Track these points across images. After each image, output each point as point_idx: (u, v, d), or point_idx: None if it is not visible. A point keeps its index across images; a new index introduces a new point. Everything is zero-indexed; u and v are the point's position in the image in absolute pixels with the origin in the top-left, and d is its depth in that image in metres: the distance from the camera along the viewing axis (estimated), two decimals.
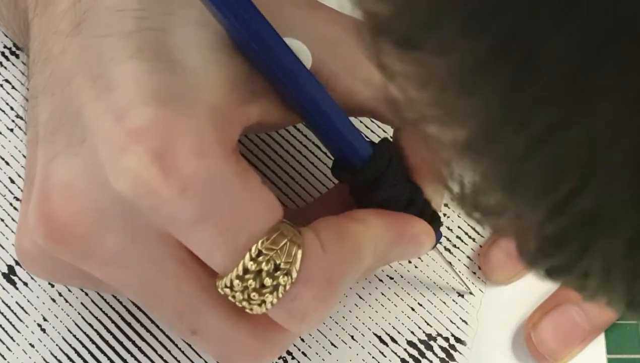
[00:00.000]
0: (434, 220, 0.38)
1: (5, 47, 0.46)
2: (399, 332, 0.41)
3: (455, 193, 0.21)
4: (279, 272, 0.32)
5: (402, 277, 0.42)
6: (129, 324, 0.41)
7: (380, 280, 0.42)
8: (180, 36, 0.33)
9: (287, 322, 0.33)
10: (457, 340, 0.41)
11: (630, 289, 0.21)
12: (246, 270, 0.32)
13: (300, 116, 0.35)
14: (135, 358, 0.41)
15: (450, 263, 0.42)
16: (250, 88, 0.33)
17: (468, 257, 0.43)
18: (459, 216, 0.43)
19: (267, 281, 0.32)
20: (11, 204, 0.43)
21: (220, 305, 0.34)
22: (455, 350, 0.41)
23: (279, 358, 0.41)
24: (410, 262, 0.42)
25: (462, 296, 0.42)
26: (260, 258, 0.32)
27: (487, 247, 0.42)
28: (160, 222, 0.32)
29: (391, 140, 0.39)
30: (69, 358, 0.41)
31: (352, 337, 0.41)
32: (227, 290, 0.32)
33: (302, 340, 0.41)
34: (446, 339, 0.41)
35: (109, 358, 0.41)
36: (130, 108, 0.31)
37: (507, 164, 0.19)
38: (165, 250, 0.33)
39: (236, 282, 0.32)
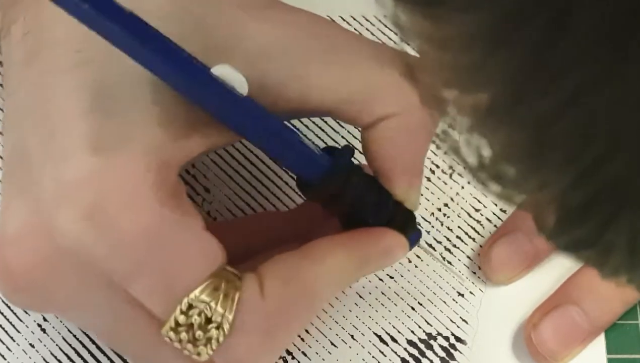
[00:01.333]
0: (408, 221, 0.38)
1: None
2: (399, 331, 0.41)
3: (471, 165, 0.20)
4: (210, 325, 0.32)
5: (402, 276, 0.42)
6: None
7: (380, 279, 0.42)
8: (116, 72, 0.32)
9: None
10: (458, 339, 0.41)
11: None
12: (178, 323, 0.32)
13: (246, 139, 0.35)
14: None
15: (450, 262, 0.42)
16: (188, 120, 0.33)
17: (468, 257, 0.43)
18: (459, 216, 0.43)
19: (199, 334, 0.32)
20: None
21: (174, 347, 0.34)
22: (456, 349, 0.41)
23: (279, 358, 0.41)
24: (410, 261, 0.42)
25: (462, 295, 0.42)
26: (191, 311, 0.32)
27: (488, 247, 0.42)
28: (102, 272, 0.32)
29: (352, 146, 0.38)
30: (69, 358, 0.41)
31: (352, 336, 0.41)
32: (168, 340, 0.33)
33: (302, 339, 0.41)
34: (446, 338, 0.41)
35: (109, 359, 0.41)
36: (65, 158, 0.31)
37: (533, 128, 0.19)
38: (115, 296, 0.33)
39: (171, 333, 0.32)
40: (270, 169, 0.44)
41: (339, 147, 0.36)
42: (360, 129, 0.37)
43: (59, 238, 0.31)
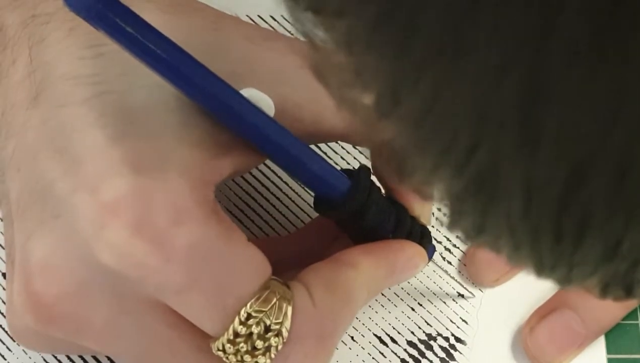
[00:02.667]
0: (424, 236, 0.38)
1: None
2: (399, 332, 0.41)
3: (390, 159, 0.21)
4: (270, 334, 0.32)
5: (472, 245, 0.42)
6: None
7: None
8: (139, 98, 0.32)
9: None
10: (457, 339, 0.41)
11: (534, 250, 0.21)
12: (236, 334, 0.32)
13: (271, 160, 0.35)
14: None
15: (450, 262, 0.42)
16: (218, 142, 0.33)
17: (466, 256, 0.43)
18: None
19: (259, 343, 0.32)
20: None
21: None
22: (456, 349, 0.41)
23: None
24: None
25: (462, 296, 0.42)
26: (250, 321, 0.32)
27: (473, 249, 0.42)
28: (148, 291, 0.32)
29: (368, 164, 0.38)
30: (69, 358, 0.41)
31: (352, 337, 0.41)
32: (221, 353, 0.32)
33: None
34: (446, 339, 0.41)
35: (109, 359, 0.41)
36: (101, 181, 0.31)
37: (410, 125, 0.20)
38: (155, 317, 0.33)
39: (228, 345, 0.32)
40: (271, 169, 0.44)
41: (354, 168, 0.36)
42: (367, 148, 0.37)
43: (100, 259, 0.31)
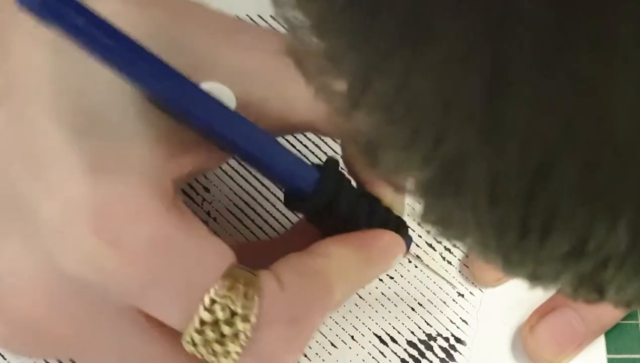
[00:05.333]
0: (400, 227, 0.38)
1: None
2: (399, 332, 0.41)
3: (361, 149, 0.21)
4: (236, 318, 0.31)
5: (402, 276, 0.42)
6: None
7: (380, 280, 0.42)
8: (99, 97, 0.32)
9: None
10: (457, 340, 0.41)
11: (500, 246, 0.20)
12: (202, 322, 0.31)
13: (237, 155, 0.35)
14: None
15: (450, 262, 0.42)
16: (179, 139, 0.33)
17: (468, 256, 0.43)
18: None
19: (226, 329, 0.31)
20: None
21: (194, 360, 0.33)
22: (455, 350, 0.41)
23: None
24: (410, 261, 0.42)
25: (462, 296, 0.42)
26: (215, 306, 0.31)
27: None
28: (113, 294, 0.31)
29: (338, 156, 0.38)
30: (69, 358, 0.41)
31: (352, 337, 0.41)
32: (192, 348, 0.32)
33: None
34: (446, 339, 0.41)
35: None
36: (61, 185, 0.30)
37: (380, 113, 0.19)
38: (126, 322, 0.33)
39: (196, 336, 0.31)
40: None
41: (322, 161, 0.36)
42: (336, 139, 0.37)
43: (64, 267, 0.31)
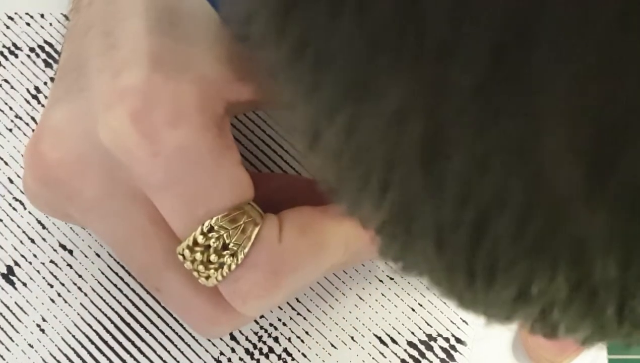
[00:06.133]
0: None
1: (4, 46, 0.46)
2: (399, 333, 0.41)
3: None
4: (226, 252, 0.33)
5: (402, 276, 0.42)
6: (128, 325, 0.41)
7: (381, 281, 0.42)
8: (190, 6, 0.34)
9: (231, 300, 0.34)
10: (458, 340, 0.41)
11: (452, 287, 0.21)
12: (196, 243, 0.33)
13: None
14: (135, 359, 0.41)
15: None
16: (242, 68, 0.34)
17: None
18: None
19: (213, 257, 0.33)
20: (10, 204, 0.43)
21: (183, 269, 0.35)
22: (456, 350, 0.41)
23: (279, 360, 0.41)
24: None
25: None
26: (211, 234, 0.33)
27: None
28: (135, 178, 0.33)
29: None
30: (68, 358, 0.41)
31: (352, 338, 0.41)
32: (181, 258, 0.34)
33: (302, 341, 0.41)
34: (446, 339, 0.41)
35: (108, 359, 0.41)
36: (124, 67, 0.32)
37: (330, 159, 0.20)
38: (138, 208, 0.34)
39: (186, 251, 0.33)
40: (272, 160, 0.44)
41: None
42: None
43: (100, 137, 0.32)
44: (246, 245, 0.33)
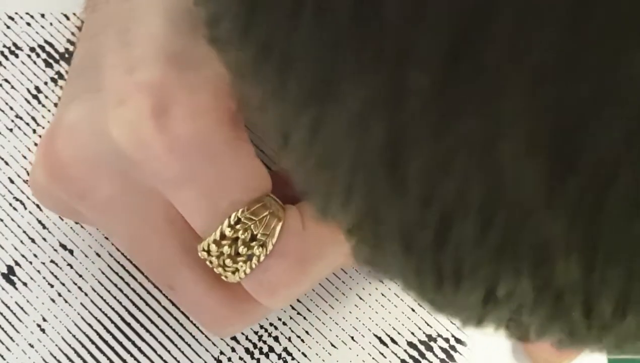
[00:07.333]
0: None
1: (4, 46, 0.46)
2: (399, 333, 0.41)
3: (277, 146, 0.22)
4: (254, 243, 0.33)
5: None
6: (128, 325, 0.41)
7: (381, 281, 0.42)
8: None
9: (258, 293, 0.34)
10: (458, 340, 0.41)
11: (422, 290, 0.21)
12: (223, 236, 0.33)
13: None
14: (135, 359, 0.41)
15: None
16: None
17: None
18: None
19: (242, 249, 0.33)
20: (10, 204, 0.43)
21: (198, 268, 0.35)
22: (456, 350, 0.41)
23: (279, 359, 0.41)
24: None
25: None
26: (239, 226, 0.33)
27: None
28: (148, 177, 0.33)
29: None
30: (68, 358, 0.41)
31: (352, 337, 0.41)
32: (205, 254, 0.33)
33: (302, 340, 0.41)
34: (446, 340, 0.41)
35: (108, 359, 0.41)
36: (140, 64, 0.32)
37: (297, 161, 0.20)
38: (154, 206, 0.34)
39: (213, 246, 0.33)
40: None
41: None
42: None
43: (112, 133, 0.32)
44: (274, 234, 0.33)
